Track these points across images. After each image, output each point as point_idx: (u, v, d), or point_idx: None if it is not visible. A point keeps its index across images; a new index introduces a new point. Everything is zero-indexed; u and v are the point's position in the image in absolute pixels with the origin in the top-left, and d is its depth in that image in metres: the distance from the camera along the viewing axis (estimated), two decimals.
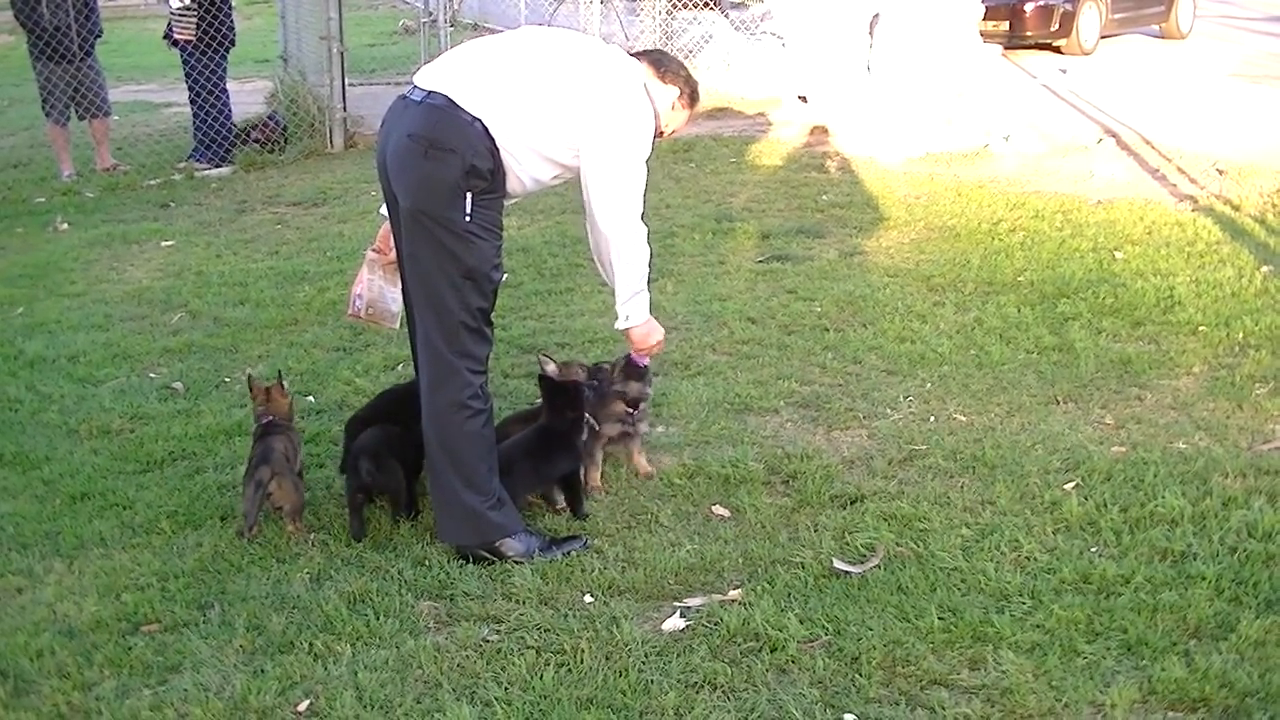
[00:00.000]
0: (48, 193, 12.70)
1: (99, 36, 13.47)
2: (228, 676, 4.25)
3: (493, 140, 4.71)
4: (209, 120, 13.56)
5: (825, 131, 13.53)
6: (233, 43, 13.71)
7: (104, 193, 12.68)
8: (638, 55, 5.20)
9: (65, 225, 11.27)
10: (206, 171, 13.42)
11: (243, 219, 11.41)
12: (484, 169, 4.71)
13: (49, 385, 7.18)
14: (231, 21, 13.62)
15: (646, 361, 5.51)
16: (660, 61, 5.23)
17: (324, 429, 6.38)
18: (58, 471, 6.05)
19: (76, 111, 13.29)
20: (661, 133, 5.17)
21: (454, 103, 4.70)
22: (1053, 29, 18.94)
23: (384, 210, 5.24)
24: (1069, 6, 18.85)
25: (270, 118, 14.80)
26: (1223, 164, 10.95)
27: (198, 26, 13.27)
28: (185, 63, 13.58)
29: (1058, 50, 19.14)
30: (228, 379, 7.22)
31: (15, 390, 7.12)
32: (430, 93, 4.76)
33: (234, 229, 11.00)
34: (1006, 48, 17.20)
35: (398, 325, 5.58)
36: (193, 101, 13.67)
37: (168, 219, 11.50)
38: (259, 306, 8.54)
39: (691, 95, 5.27)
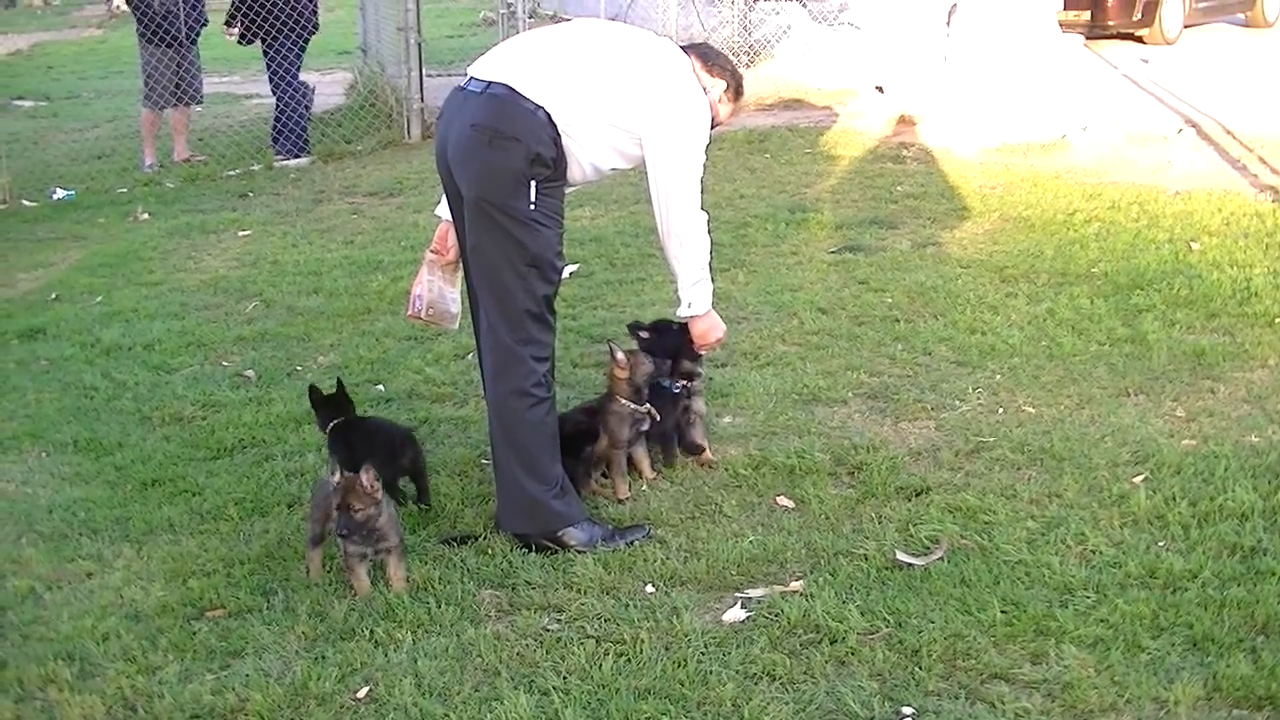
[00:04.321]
0: (129, 183, 12.91)
1: (204, 24, 13.67)
2: (289, 662, 4.29)
3: (555, 128, 4.73)
4: (285, 111, 13.68)
5: (902, 122, 13.42)
6: (315, 28, 13.79)
7: (184, 183, 12.88)
8: (684, 48, 5.19)
9: (145, 215, 11.45)
10: (285, 162, 13.56)
11: (319, 209, 11.53)
12: (548, 157, 4.72)
13: (124, 373, 7.28)
14: (313, 8, 13.71)
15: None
16: (707, 55, 5.23)
17: (392, 418, 6.38)
18: (130, 458, 6.14)
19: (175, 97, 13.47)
20: (714, 123, 5.17)
21: (516, 91, 4.70)
22: (1135, 18, 18.66)
23: (440, 210, 5.29)
24: None
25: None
26: None
27: (240, 23, 13.42)
28: (264, 54, 13.72)
29: (1140, 40, 18.88)
30: (299, 367, 7.28)
31: (91, 377, 7.23)
32: (490, 83, 4.77)
33: (310, 219, 11.12)
34: (1088, 38, 16.93)
35: (456, 326, 5.63)
36: (273, 92, 13.82)
37: (246, 209, 11.65)
38: (332, 295, 8.62)
39: (737, 89, 5.27)
